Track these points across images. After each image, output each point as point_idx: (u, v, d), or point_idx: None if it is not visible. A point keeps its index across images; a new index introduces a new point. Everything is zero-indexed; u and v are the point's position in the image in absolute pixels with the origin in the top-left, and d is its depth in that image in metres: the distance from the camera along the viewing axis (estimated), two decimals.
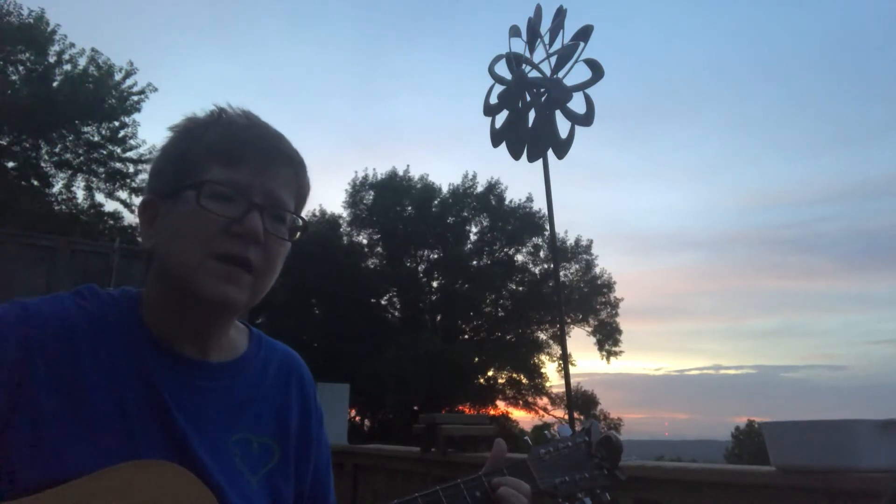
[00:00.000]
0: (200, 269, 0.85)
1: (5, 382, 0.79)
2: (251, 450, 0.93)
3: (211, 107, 0.95)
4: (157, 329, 0.91)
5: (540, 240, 28.46)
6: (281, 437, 0.98)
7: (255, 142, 0.91)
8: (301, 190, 0.97)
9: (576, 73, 5.10)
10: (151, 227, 0.92)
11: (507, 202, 28.90)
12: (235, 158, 0.89)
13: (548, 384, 28.64)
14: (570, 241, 28.47)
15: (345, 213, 28.99)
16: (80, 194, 21.07)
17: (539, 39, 5.26)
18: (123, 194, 20.84)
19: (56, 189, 20.83)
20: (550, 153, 5.05)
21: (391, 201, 28.04)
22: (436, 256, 28.95)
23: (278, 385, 1.02)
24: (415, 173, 29.26)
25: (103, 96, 19.81)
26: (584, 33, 5.10)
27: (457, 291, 27.88)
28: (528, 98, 5.21)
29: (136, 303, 0.93)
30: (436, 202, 28.92)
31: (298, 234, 0.96)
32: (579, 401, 29.30)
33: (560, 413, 27.75)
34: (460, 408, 25.25)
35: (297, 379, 1.06)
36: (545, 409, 28.63)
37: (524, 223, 28.28)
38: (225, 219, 0.86)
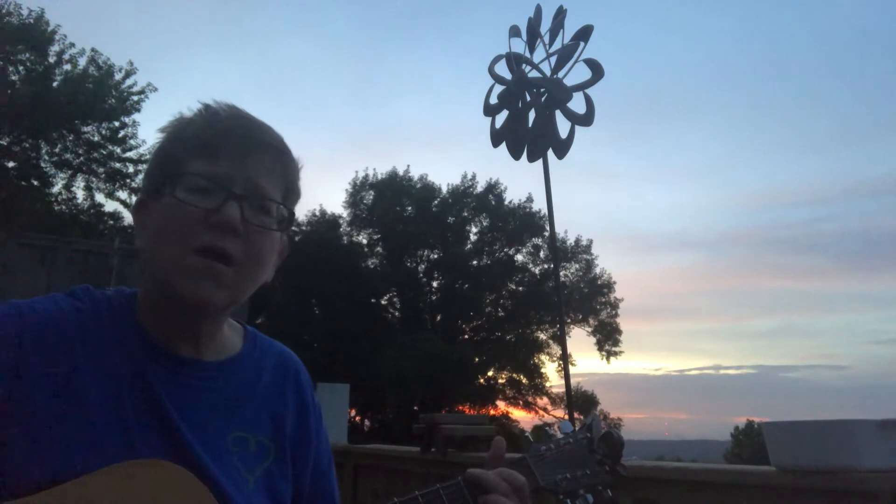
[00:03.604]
0: (179, 267, 0.84)
1: (0, 383, 0.79)
2: (248, 448, 0.93)
3: (197, 104, 0.94)
4: (152, 328, 0.91)
5: (540, 240, 28.51)
6: (277, 435, 0.98)
7: (233, 131, 0.89)
8: (288, 180, 0.94)
9: (576, 73, 5.10)
10: (144, 227, 0.92)
11: (506, 202, 28.96)
12: (213, 149, 0.87)
13: (548, 384, 28.71)
14: (570, 241, 28.54)
15: (345, 213, 29.07)
16: (80, 194, 21.07)
17: (539, 39, 5.26)
18: (123, 194, 20.82)
19: (56, 189, 20.82)
20: (550, 153, 5.05)
21: (391, 201, 28.06)
22: (436, 256, 28.96)
23: (274, 384, 1.02)
24: (415, 173, 29.36)
25: (103, 96, 19.79)
26: (584, 33, 5.10)
27: (457, 291, 27.89)
28: (528, 98, 5.21)
29: (130, 302, 0.93)
30: (436, 202, 28.94)
31: (287, 225, 0.94)
32: (579, 401, 29.31)
33: (560, 413, 27.77)
34: (460, 408, 25.26)
35: (294, 377, 1.06)
36: (545, 409, 28.68)
37: (524, 223, 28.30)
38: (201, 210, 0.84)
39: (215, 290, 0.84)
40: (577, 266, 28.88)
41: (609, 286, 28.68)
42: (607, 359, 28.29)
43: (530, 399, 29.06)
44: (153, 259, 0.88)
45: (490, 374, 28.92)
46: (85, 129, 20.21)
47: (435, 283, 29.44)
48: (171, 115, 0.95)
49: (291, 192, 0.96)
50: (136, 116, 20.72)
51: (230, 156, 0.87)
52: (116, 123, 20.57)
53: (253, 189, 0.88)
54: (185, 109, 0.94)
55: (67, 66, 19.64)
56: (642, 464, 2.91)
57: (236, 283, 0.86)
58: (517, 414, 29.86)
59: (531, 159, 5.13)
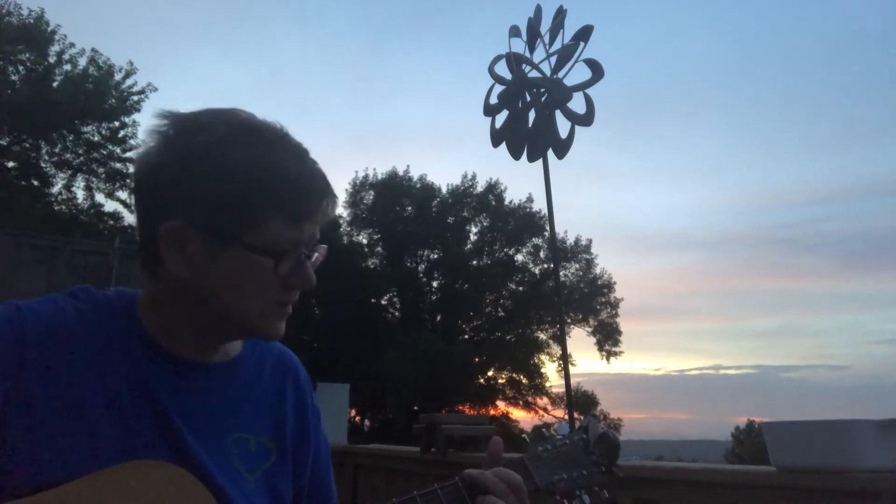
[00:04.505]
0: (260, 315, 0.90)
1: (0, 384, 0.79)
2: (248, 449, 0.93)
3: (239, 120, 0.89)
4: (156, 331, 0.91)
5: (540, 240, 28.51)
6: (277, 436, 0.98)
7: (320, 199, 0.91)
8: None
9: (576, 73, 5.09)
10: (184, 254, 0.85)
11: (506, 202, 28.95)
12: (300, 216, 0.88)
13: (548, 384, 28.72)
14: (570, 240, 28.54)
15: (345, 213, 29.06)
16: (80, 194, 21.14)
17: (539, 39, 5.26)
18: (123, 194, 20.86)
19: (56, 189, 20.89)
20: (550, 153, 5.04)
21: (391, 201, 28.07)
22: (436, 256, 28.96)
23: (274, 384, 1.02)
24: (415, 173, 29.36)
25: (103, 96, 19.84)
26: (584, 33, 5.09)
27: (457, 291, 27.89)
28: (528, 98, 5.21)
29: (131, 303, 0.93)
30: (436, 202, 28.95)
31: None
32: (579, 401, 29.33)
33: (560, 413, 27.77)
34: (460, 408, 25.28)
35: (293, 378, 1.06)
36: (545, 409, 28.69)
37: (524, 223, 28.30)
38: (285, 275, 0.88)
39: (284, 326, 0.95)
40: (577, 266, 28.92)
41: (609, 286, 28.70)
42: (607, 359, 28.32)
43: (530, 399, 29.09)
44: (226, 305, 0.88)
45: (490, 374, 28.93)
46: (85, 129, 20.26)
47: (435, 283, 29.45)
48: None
49: None
50: (136, 116, 20.79)
51: (312, 220, 0.91)
52: (116, 123, 20.63)
53: (314, 242, 0.92)
54: (212, 120, 0.88)
55: (67, 66, 19.70)
56: (642, 464, 2.92)
57: None
58: (517, 414, 29.90)
59: (531, 159, 5.12)
